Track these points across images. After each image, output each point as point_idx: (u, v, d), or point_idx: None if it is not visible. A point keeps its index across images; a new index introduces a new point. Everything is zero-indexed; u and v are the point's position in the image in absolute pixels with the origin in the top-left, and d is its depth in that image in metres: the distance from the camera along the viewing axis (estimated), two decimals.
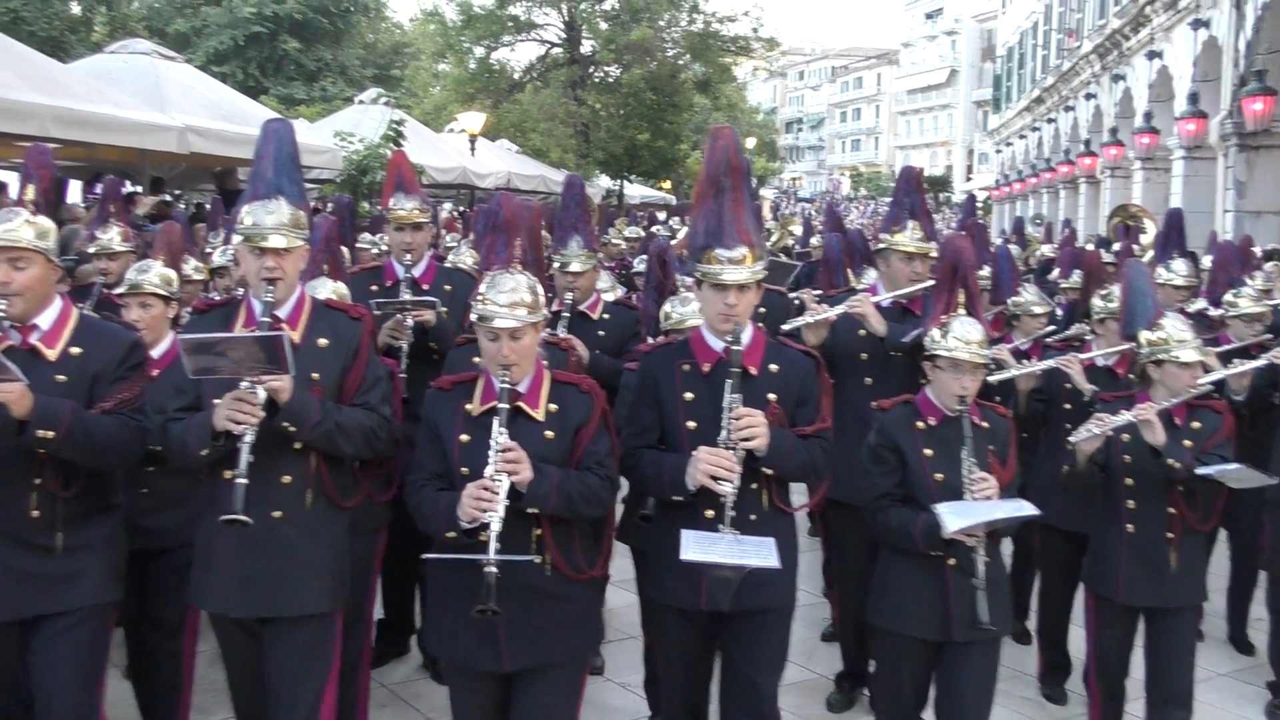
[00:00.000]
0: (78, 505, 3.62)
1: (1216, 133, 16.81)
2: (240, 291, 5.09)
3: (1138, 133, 20.80)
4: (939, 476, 3.94)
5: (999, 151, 42.34)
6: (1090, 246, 9.93)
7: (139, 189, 14.69)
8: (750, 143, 58.50)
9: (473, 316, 3.56)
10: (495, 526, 3.27)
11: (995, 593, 3.91)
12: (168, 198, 14.84)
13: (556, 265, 5.56)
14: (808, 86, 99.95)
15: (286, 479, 3.60)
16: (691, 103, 34.70)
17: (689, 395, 3.80)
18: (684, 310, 4.74)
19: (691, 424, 3.78)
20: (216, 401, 3.44)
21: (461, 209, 19.74)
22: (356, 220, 9.84)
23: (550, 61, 33.35)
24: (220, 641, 3.84)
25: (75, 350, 3.61)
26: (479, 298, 3.54)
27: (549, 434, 3.54)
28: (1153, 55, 20.67)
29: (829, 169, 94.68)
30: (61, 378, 3.55)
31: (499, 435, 3.38)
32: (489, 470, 3.35)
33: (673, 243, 10.99)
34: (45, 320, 3.61)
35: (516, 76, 33.90)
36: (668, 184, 38.76)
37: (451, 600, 3.50)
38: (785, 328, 4.96)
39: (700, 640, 3.95)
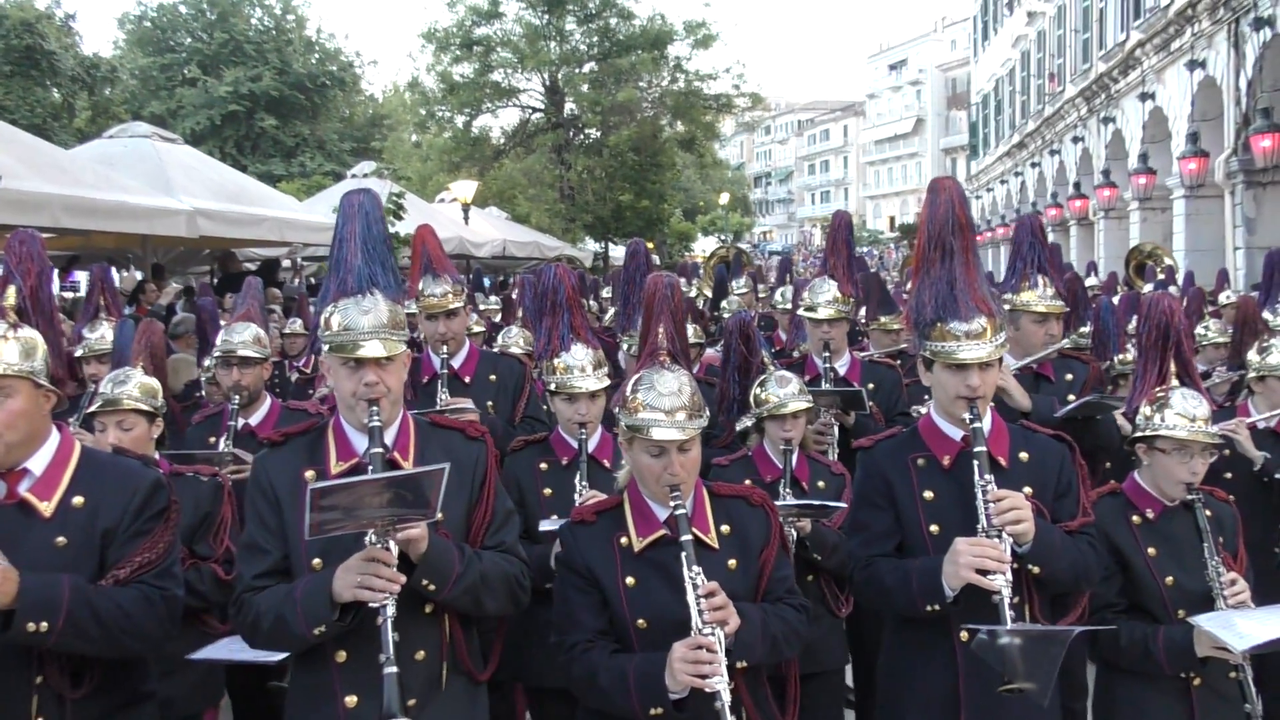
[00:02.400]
0: (94, 706, 2.83)
1: (1222, 170, 16.79)
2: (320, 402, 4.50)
3: (1134, 173, 20.77)
4: (1170, 580, 3.42)
5: (978, 198, 42.57)
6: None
7: (139, 275, 14.34)
8: (724, 198, 58.90)
9: (622, 424, 3.01)
10: (726, 696, 2.69)
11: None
12: (186, 285, 14.43)
13: (625, 348, 5.19)
14: (775, 141, 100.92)
15: (420, 654, 2.86)
16: (674, 162, 34.77)
17: (929, 494, 3.23)
18: (783, 393, 4.21)
19: (935, 528, 3.19)
20: (317, 561, 2.81)
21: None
22: None
23: (532, 126, 33.34)
24: None
25: (77, 500, 2.82)
26: (630, 403, 2.98)
27: (731, 563, 2.99)
28: (1145, 97, 20.75)
29: (799, 221, 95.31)
30: (61, 540, 2.78)
31: (695, 576, 2.79)
32: (696, 622, 2.75)
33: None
34: (38, 463, 2.83)
35: (499, 143, 33.87)
36: (651, 244, 38.75)
37: None
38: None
39: None
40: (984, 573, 2.96)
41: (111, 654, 2.80)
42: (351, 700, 2.82)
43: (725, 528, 3.02)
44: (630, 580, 2.96)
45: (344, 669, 2.83)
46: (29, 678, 2.73)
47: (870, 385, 5.16)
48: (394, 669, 2.61)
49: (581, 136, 33.20)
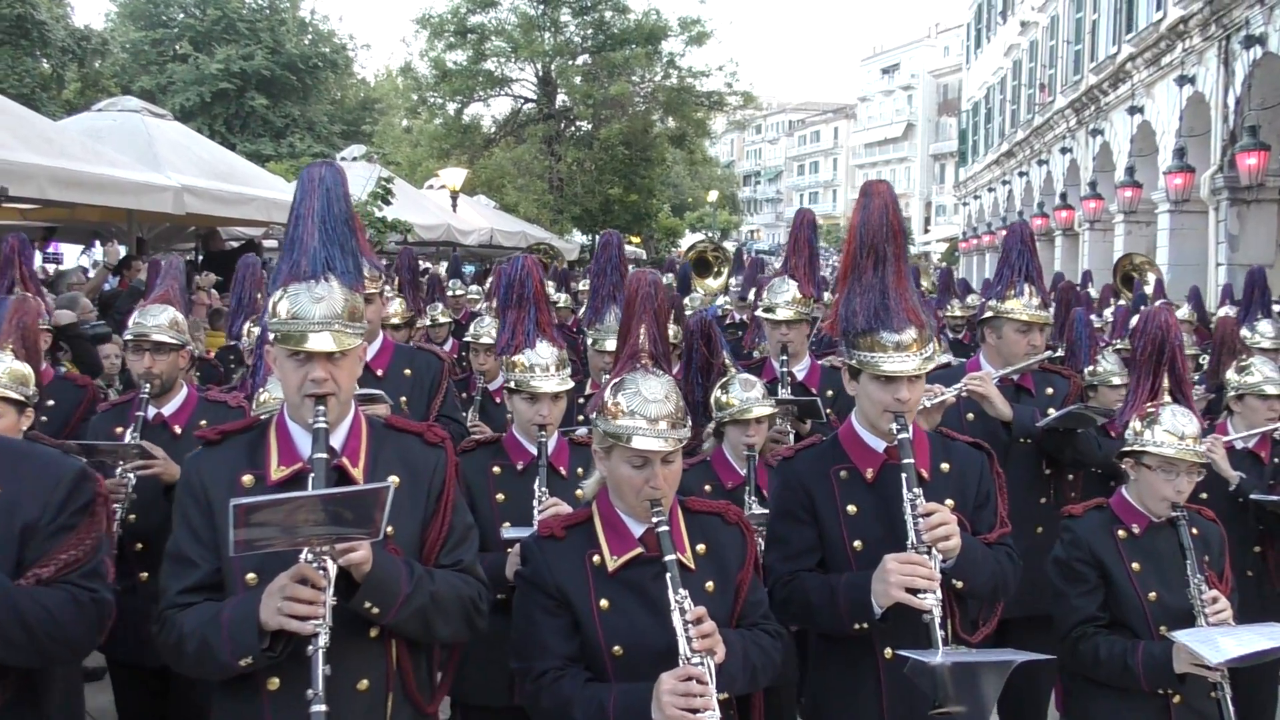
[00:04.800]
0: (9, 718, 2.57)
1: (1207, 187, 16.91)
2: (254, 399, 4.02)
3: (1120, 186, 20.89)
4: (1152, 596, 3.38)
5: (965, 204, 42.74)
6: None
7: (122, 249, 14.27)
8: (713, 195, 58.96)
9: (599, 430, 2.77)
10: None
11: None
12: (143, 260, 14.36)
13: (591, 343, 4.98)
14: (765, 140, 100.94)
15: (363, 684, 2.59)
16: (664, 157, 34.82)
17: (851, 508, 3.13)
18: (746, 396, 4.04)
19: (858, 543, 3.10)
20: (251, 576, 2.52)
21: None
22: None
23: (524, 117, 33.33)
24: None
25: None
26: (609, 408, 2.74)
27: (709, 585, 2.78)
28: (1134, 110, 20.87)
29: (786, 221, 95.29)
30: None
31: (682, 600, 2.57)
32: (684, 650, 2.53)
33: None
34: None
35: (490, 132, 33.85)
36: (638, 239, 38.75)
37: None
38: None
39: None
40: (914, 591, 2.87)
41: (36, 662, 2.52)
42: None
43: (701, 547, 2.82)
44: (604, 603, 2.72)
45: (276, 698, 2.55)
46: None
47: (829, 392, 4.91)
48: (323, 708, 2.34)
49: (573, 128, 33.24)
